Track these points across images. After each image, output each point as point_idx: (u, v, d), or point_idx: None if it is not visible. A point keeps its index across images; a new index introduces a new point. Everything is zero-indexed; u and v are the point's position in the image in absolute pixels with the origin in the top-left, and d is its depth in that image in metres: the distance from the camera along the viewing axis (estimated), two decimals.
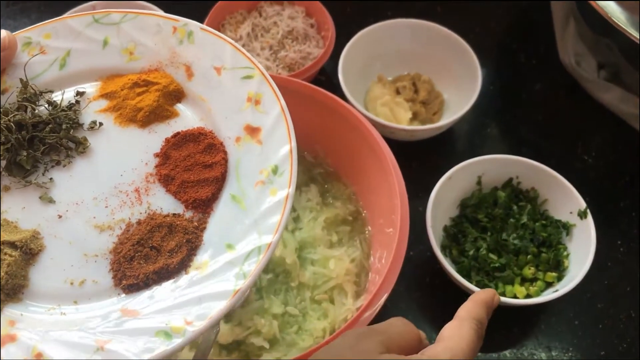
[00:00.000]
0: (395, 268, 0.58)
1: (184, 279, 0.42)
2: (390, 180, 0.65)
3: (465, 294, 0.70)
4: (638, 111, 0.87)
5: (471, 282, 0.67)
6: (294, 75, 0.84)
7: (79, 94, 0.51)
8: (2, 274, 0.42)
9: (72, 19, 0.53)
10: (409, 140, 0.84)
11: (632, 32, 0.70)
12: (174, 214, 0.46)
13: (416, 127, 0.80)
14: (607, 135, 0.89)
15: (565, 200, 0.73)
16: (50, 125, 0.49)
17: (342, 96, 0.78)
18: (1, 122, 0.47)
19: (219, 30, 0.92)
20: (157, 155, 0.48)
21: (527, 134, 0.90)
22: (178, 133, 0.49)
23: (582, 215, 0.70)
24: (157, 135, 0.49)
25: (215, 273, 0.42)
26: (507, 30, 1.03)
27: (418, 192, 0.76)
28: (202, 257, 0.43)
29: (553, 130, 0.90)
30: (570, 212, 0.72)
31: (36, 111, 0.50)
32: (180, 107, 0.51)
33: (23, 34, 0.52)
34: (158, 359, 0.38)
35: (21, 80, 0.50)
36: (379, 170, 0.67)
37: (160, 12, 0.52)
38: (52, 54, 0.52)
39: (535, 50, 0.99)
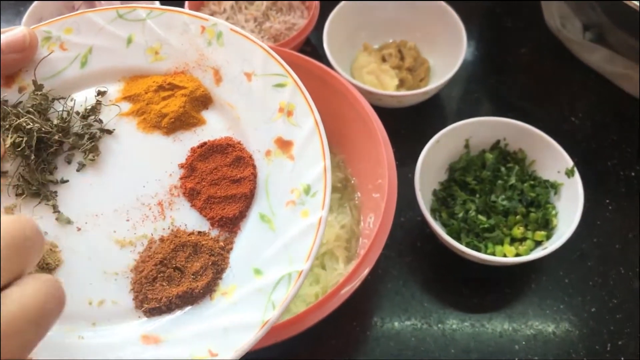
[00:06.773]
0: (384, 231, 0.59)
1: (208, 305, 0.39)
2: (378, 147, 0.65)
3: (455, 256, 0.71)
4: (624, 71, 0.87)
5: (461, 244, 0.68)
6: (279, 46, 0.83)
7: (101, 93, 0.48)
8: None
9: (95, 13, 0.49)
10: (396, 107, 0.84)
11: None
12: (199, 232, 0.43)
13: (403, 92, 0.80)
14: (594, 96, 0.90)
15: (552, 159, 0.73)
16: (69, 130, 0.45)
17: (329, 66, 0.78)
18: (16, 122, 0.44)
19: (202, 4, 0.91)
20: (182, 166, 0.45)
21: (514, 98, 0.90)
22: (205, 143, 0.45)
23: (569, 173, 0.71)
24: (183, 144, 0.46)
25: (242, 301, 0.39)
26: None
27: (407, 158, 0.76)
28: (227, 282, 0.40)
29: (540, 93, 0.90)
30: (558, 172, 0.72)
31: (53, 113, 0.46)
32: (207, 114, 0.47)
33: (43, 28, 0.48)
34: None
35: (34, 82, 0.46)
36: (367, 138, 0.67)
37: (187, 10, 0.49)
38: (73, 51, 0.48)
39: (520, 14, 0.98)
